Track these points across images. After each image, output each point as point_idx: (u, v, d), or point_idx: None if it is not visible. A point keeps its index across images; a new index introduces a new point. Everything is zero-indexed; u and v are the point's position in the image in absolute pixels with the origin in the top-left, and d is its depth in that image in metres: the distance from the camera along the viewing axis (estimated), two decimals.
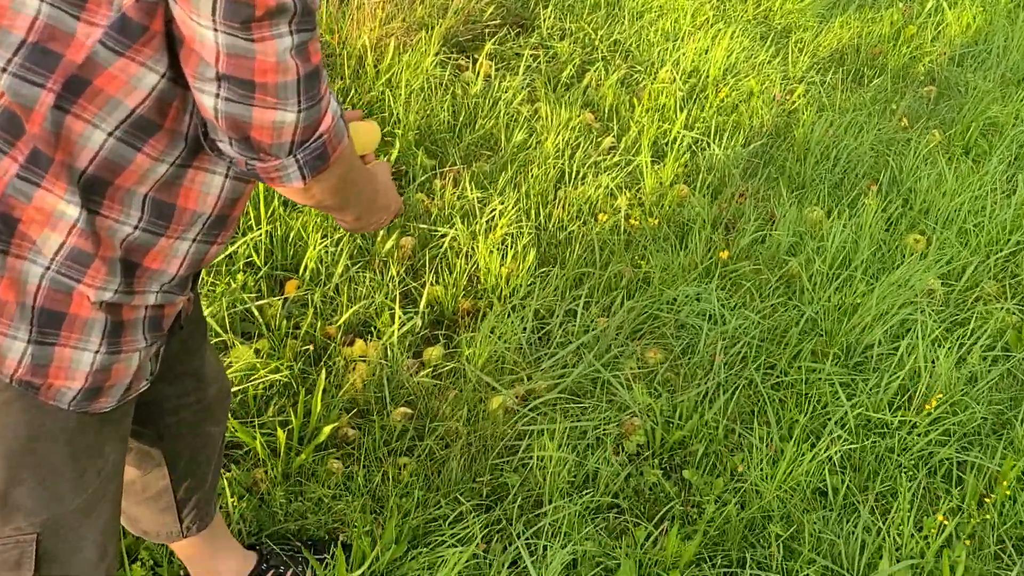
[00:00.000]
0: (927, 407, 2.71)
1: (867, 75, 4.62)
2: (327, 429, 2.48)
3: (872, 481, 2.64)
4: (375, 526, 2.37)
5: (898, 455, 2.70)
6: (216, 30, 1.04)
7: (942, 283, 3.31)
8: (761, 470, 2.60)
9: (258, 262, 2.92)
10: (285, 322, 2.78)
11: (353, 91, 3.67)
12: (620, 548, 2.39)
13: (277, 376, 2.60)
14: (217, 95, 1.10)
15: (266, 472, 2.43)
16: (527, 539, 2.37)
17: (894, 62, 4.74)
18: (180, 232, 1.28)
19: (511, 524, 2.42)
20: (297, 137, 1.15)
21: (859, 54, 4.75)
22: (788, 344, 2.96)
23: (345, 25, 3.92)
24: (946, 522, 2.43)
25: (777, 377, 2.87)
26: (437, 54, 3.90)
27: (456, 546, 2.32)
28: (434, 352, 2.84)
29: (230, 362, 2.61)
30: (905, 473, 2.66)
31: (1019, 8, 5.40)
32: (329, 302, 2.90)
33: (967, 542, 2.46)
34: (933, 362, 2.96)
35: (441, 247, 3.14)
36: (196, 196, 1.28)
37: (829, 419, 2.76)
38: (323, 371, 2.57)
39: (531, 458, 2.53)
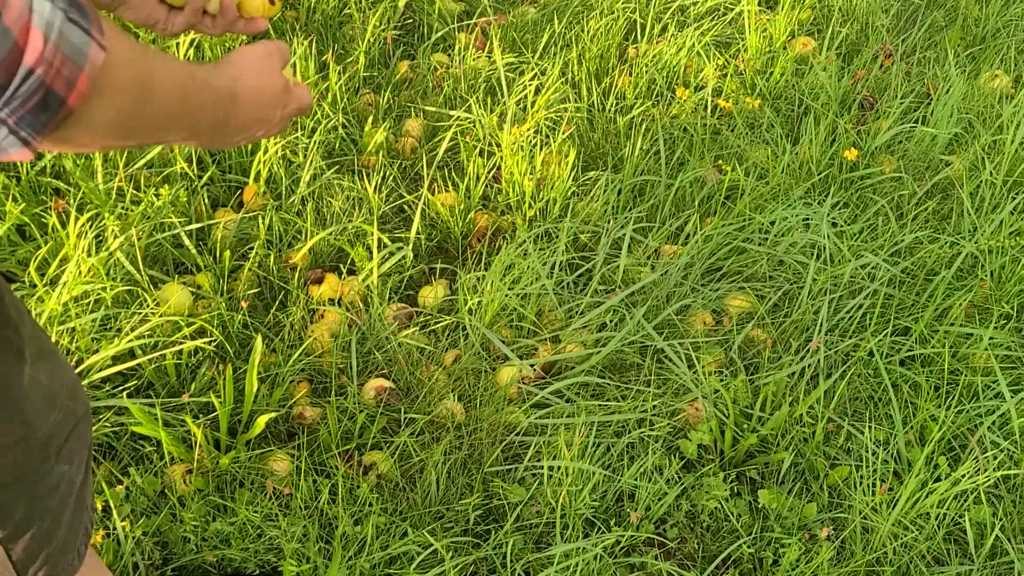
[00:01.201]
0: None
1: None
2: (262, 420, 2.01)
3: None
4: (320, 559, 1.88)
5: None
6: None
7: None
8: (871, 496, 2.01)
9: (191, 172, 2.35)
10: (230, 252, 2.25)
11: None
12: None
13: (201, 342, 2.08)
14: None
15: (185, 476, 1.98)
16: None
17: None
18: None
19: (506, 568, 1.91)
20: None
21: None
22: (934, 296, 2.32)
23: None
24: None
25: (910, 348, 2.26)
26: None
27: None
28: (432, 294, 2.33)
29: (145, 315, 2.10)
30: None
31: None
32: (287, 223, 2.33)
33: None
34: None
35: (450, 140, 2.52)
36: None
37: (984, 417, 2.11)
38: (258, 338, 2.04)
39: (542, 468, 2.01)
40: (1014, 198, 2.47)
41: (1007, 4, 3.01)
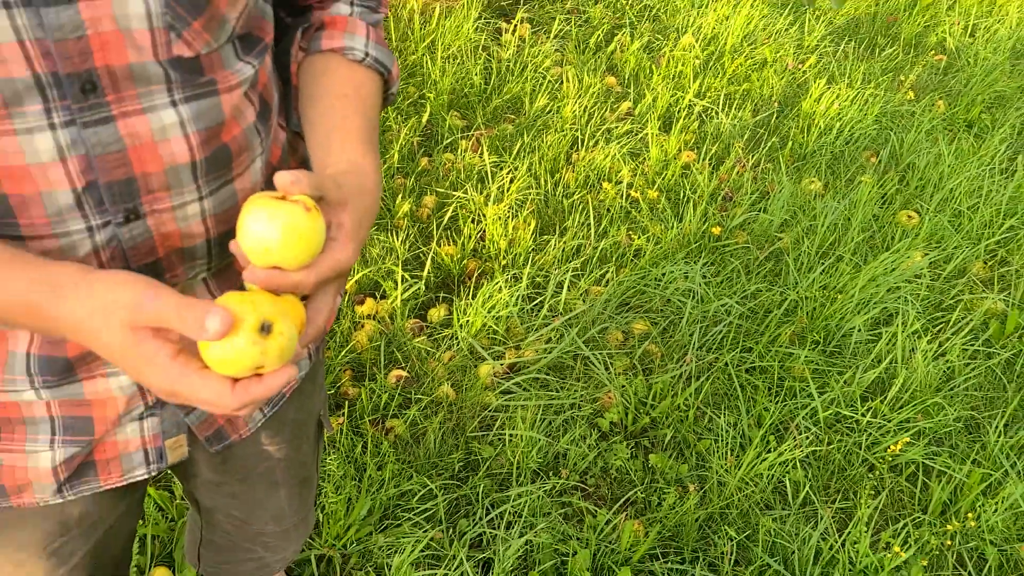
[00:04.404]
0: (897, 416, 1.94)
1: (880, 44, 3.59)
2: None
3: (836, 479, 1.94)
4: (354, 492, 1.80)
5: (864, 452, 1.98)
6: None
7: (930, 268, 2.46)
8: (725, 460, 1.95)
9: None
10: None
11: (399, 54, 2.90)
12: (578, 537, 1.78)
13: None
14: None
15: None
16: (490, 520, 1.79)
17: (908, 31, 3.68)
18: None
19: (478, 502, 1.84)
20: None
21: (875, 22, 3.70)
22: (768, 327, 2.23)
23: None
24: (902, 553, 1.71)
25: (752, 362, 2.17)
26: (477, 19, 3.07)
27: (421, 525, 1.74)
28: (435, 314, 2.23)
29: None
30: (871, 474, 1.94)
31: None
32: None
33: (924, 562, 1.75)
34: (911, 352, 2.18)
35: (452, 211, 2.45)
36: None
37: (800, 410, 2.05)
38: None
39: (506, 435, 1.94)
40: (822, 263, 2.41)
41: (820, 135, 2.96)
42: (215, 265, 0.73)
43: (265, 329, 0.54)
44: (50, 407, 0.73)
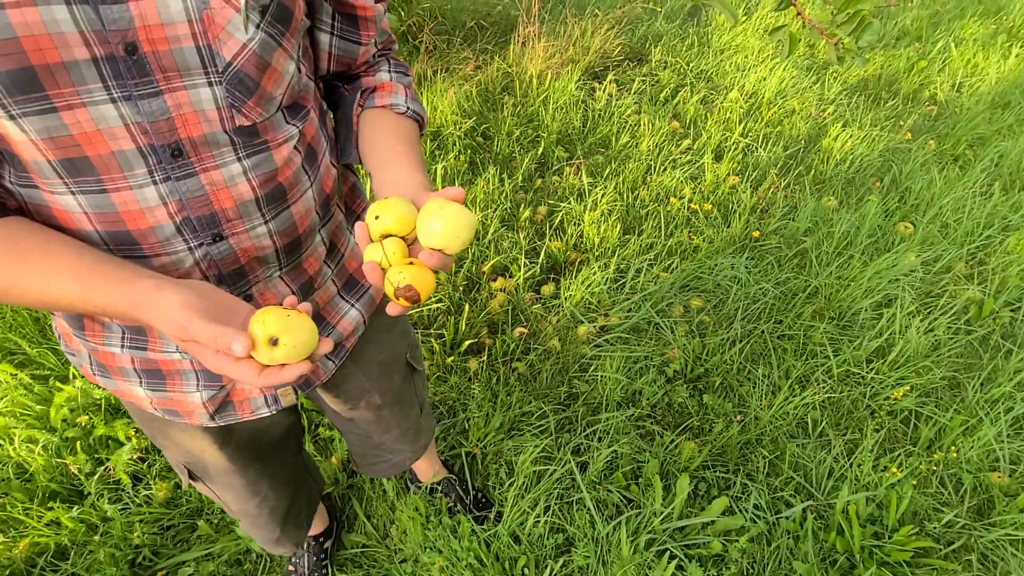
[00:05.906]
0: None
1: (884, 98, 3.44)
2: (465, 344, 2.00)
3: (845, 419, 1.90)
4: (490, 410, 1.88)
5: (868, 400, 1.93)
6: None
7: (922, 265, 2.37)
8: (760, 401, 1.91)
9: None
10: (454, 264, 2.23)
11: (521, 106, 2.98)
12: (649, 450, 1.80)
13: (439, 305, 2.08)
14: None
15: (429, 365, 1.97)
16: (586, 435, 1.81)
17: (906, 88, 3.51)
18: None
19: (577, 422, 1.87)
20: None
21: (880, 82, 3.54)
22: (794, 306, 2.19)
23: (523, 61, 3.19)
24: (897, 473, 1.68)
25: (782, 331, 2.12)
26: (578, 80, 3.11)
27: (537, 435, 1.81)
28: (547, 289, 2.26)
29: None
30: (872, 416, 1.90)
31: (1012, 47, 3.89)
32: (482, 252, 2.33)
33: (914, 482, 1.71)
34: (907, 327, 2.11)
35: (559, 217, 2.48)
36: None
37: (819, 367, 2.00)
38: (467, 305, 2.05)
39: (598, 376, 1.95)
40: (837, 260, 2.33)
41: (836, 165, 2.86)
42: (285, 267, 0.74)
43: (273, 343, 0.56)
44: (192, 363, 0.76)
